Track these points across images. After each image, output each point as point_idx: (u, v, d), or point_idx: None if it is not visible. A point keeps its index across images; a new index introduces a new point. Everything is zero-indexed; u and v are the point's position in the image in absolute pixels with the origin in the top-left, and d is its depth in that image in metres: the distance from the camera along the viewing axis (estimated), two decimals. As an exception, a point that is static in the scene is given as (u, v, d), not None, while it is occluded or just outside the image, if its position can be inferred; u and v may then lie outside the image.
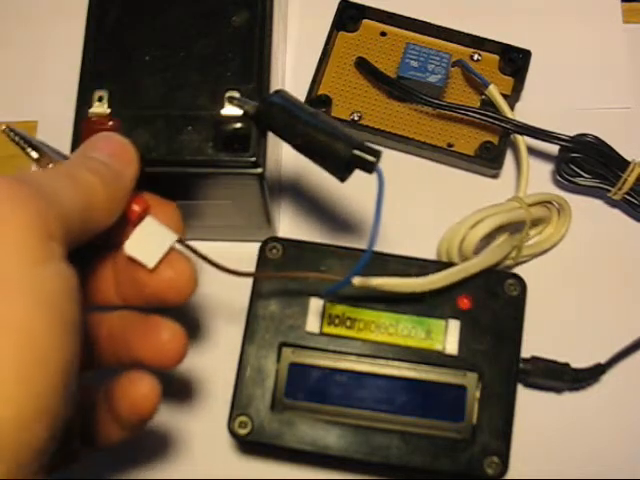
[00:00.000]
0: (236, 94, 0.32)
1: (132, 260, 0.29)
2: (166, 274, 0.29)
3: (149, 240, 0.29)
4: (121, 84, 0.33)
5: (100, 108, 0.32)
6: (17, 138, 0.28)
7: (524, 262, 0.39)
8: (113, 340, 0.30)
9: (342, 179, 0.31)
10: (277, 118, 0.31)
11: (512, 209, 0.36)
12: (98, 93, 0.33)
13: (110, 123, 0.32)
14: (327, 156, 0.30)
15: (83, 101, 0.33)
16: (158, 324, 0.29)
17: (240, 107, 0.32)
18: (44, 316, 0.22)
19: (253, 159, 0.32)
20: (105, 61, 0.34)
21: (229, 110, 0.32)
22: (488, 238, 0.36)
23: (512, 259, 0.38)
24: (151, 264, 0.29)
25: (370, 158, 0.30)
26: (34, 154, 0.28)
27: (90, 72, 0.33)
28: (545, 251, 0.39)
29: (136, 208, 0.29)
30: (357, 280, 0.32)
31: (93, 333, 0.30)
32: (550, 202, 0.38)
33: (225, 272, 0.31)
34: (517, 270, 0.38)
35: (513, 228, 0.37)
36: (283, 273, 0.35)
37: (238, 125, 0.32)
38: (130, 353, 0.29)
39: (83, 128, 0.32)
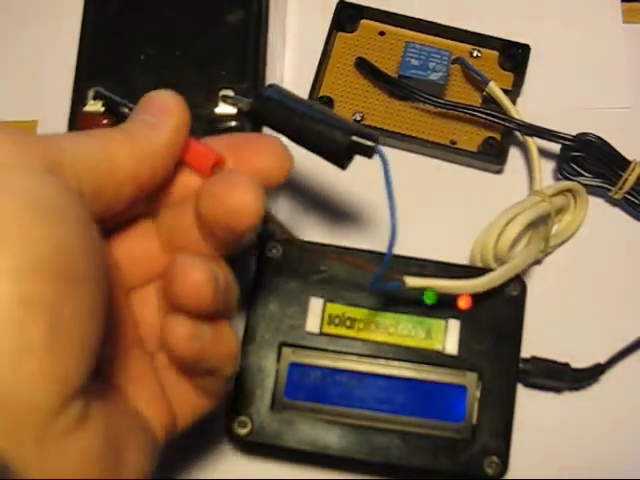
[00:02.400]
0: (230, 93, 0.32)
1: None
2: (228, 201, 0.26)
3: None
4: (116, 82, 0.33)
5: (94, 106, 0.32)
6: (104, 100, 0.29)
7: (551, 253, 0.39)
8: None
9: (343, 167, 0.31)
10: (272, 113, 0.31)
11: (536, 203, 0.36)
12: (93, 91, 0.33)
13: (104, 121, 0.32)
14: (326, 145, 0.30)
15: (78, 99, 0.33)
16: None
17: (234, 105, 0.32)
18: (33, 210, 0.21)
19: None
20: (101, 59, 0.34)
21: (223, 109, 0.32)
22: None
23: (542, 251, 0.38)
24: None
25: (369, 143, 0.30)
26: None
27: (85, 70, 0.33)
28: (568, 238, 0.39)
29: (206, 164, 0.27)
30: (410, 280, 0.32)
31: None
32: (567, 190, 0.38)
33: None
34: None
35: (535, 222, 0.37)
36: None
37: (232, 124, 0.32)
38: None
39: (77, 125, 0.32)
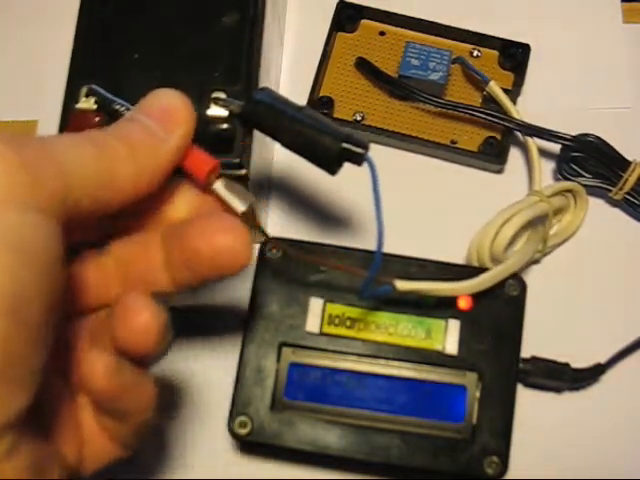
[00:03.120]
0: (222, 95, 0.32)
1: (219, 200, 0.28)
2: (222, 240, 0.26)
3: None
4: (109, 81, 0.33)
5: (87, 103, 0.32)
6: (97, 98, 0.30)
7: (549, 253, 0.39)
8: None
9: (333, 173, 0.31)
10: (263, 116, 0.31)
11: (534, 203, 0.36)
12: (86, 89, 0.33)
13: (96, 119, 0.32)
14: (316, 151, 0.30)
15: (71, 96, 0.33)
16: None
17: (225, 107, 0.32)
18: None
19: (237, 160, 0.32)
20: (94, 57, 0.34)
21: (214, 111, 0.32)
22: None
23: (540, 252, 0.38)
24: (241, 208, 0.28)
25: (359, 150, 0.30)
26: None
27: (79, 67, 0.33)
28: (568, 238, 0.39)
29: (203, 169, 0.28)
30: (400, 284, 0.32)
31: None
32: (567, 190, 0.38)
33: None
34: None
35: (533, 222, 0.37)
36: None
37: (224, 126, 0.32)
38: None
39: (68, 122, 0.32)
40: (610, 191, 0.39)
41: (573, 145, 0.39)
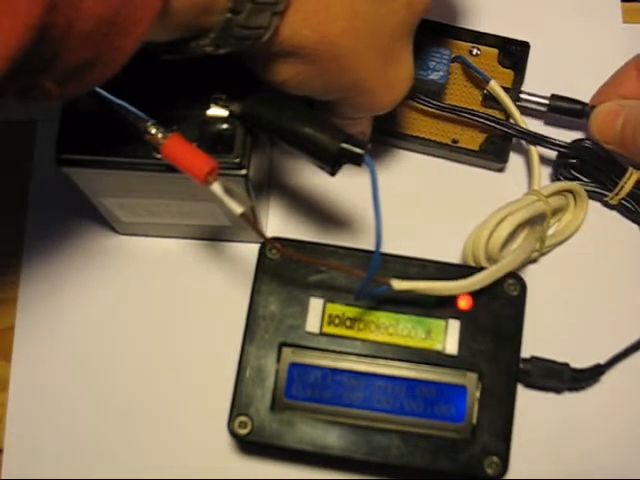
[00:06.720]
0: (222, 95, 0.32)
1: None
2: None
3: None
4: (109, 81, 0.33)
5: (88, 104, 0.32)
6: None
7: (547, 252, 0.39)
8: None
9: (332, 173, 0.31)
10: (263, 116, 0.31)
11: (531, 203, 0.36)
12: None
13: (96, 119, 0.32)
14: (315, 151, 0.30)
15: None
16: None
17: (225, 108, 0.32)
18: None
19: (237, 160, 0.32)
20: None
21: (215, 111, 0.32)
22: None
23: (537, 251, 0.38)
24: (239, 210, 0.29)
25: (358, 150, 0.30)
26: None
27: None
28: (567, 238, 0.39)
29: (201, 170, 0.29)
30: (397, 284, 0.32)
31: None
32: (566, 190, 0.38)
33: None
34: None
35: (531, 221, 0.37)
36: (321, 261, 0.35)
37: (224, 126, 0.32)
38: None
39: (69, 123, 0.32)
40: (606, 196, 0.39)
41: (570, 152, 0.38)
